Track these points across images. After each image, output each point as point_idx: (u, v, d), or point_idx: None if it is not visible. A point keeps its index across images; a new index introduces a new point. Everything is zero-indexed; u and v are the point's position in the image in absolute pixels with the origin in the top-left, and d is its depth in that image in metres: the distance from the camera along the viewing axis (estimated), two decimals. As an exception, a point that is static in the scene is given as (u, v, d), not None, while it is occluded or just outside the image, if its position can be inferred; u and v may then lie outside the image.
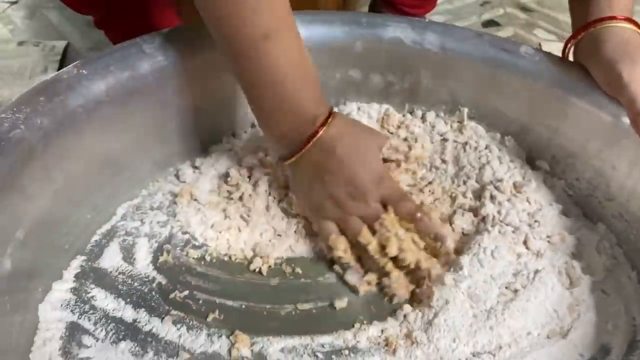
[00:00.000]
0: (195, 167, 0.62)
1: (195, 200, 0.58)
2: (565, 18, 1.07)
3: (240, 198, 0.58)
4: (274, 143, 0.54)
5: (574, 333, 0.50)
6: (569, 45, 0.58)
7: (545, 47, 0.97)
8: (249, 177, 0.60)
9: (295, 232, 0.57)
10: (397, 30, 0.63)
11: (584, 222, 0.60)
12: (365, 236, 0.52)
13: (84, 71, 0.50)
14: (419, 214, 0.52)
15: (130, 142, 0.56)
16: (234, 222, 0.57)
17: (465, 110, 0.65)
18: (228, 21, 0.45)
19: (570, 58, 0.60)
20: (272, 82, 0.49)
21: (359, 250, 0.53)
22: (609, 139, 0.56)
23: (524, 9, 1.14)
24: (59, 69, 0.68)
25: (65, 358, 0.45)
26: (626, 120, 0.54)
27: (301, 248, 0.56)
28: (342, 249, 0.52)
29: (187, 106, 0.58)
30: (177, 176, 0.61)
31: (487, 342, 0.49)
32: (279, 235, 0.56)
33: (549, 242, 0.57)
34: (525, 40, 1.04)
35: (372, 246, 0.51)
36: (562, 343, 0.50)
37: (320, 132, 0.50)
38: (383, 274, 0.52)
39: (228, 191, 0.59)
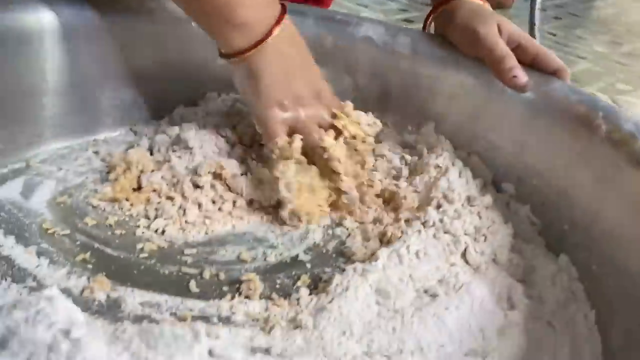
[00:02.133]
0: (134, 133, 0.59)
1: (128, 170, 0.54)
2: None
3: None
4: (231, 33, 0.49)
5: (496, 354, 0.41)
6: (430, 19, 0.62)
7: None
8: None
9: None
10: (369, 30, 0.61)
11: (543, 251, 0.51)
12: (327, 139, 0.51)
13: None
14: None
15: (62, 85, 0.54)
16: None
17: (433, 124, 0.60)
18: None
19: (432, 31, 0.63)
20: None
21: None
22: (577, 153, 0.49)
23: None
24: None
25: None
26: (597, 131, 0.48)
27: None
28: (286, 148, 0.50)
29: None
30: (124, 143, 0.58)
31: (385, 343, 0.40)
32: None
33: (493, 260, 0.48)
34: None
35: (335, 152, 0.51)
36: (478, 363, 0.40)
37: (286, 15, 0.50)
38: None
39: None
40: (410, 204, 0.53)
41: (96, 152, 0.57)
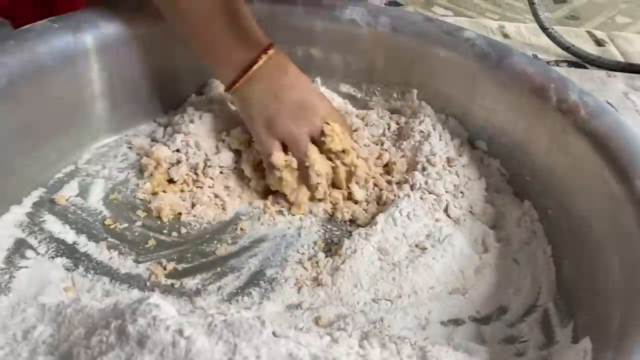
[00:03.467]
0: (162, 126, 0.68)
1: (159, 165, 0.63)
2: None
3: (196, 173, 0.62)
4: (224, 69, 0.60)
5: (473, 291, 0.53)
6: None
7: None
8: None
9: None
10: (353, 13, 0.68)
11: (511, 198, 0.62)
12: (312, 154, 0.58)
13: (55, 25, 0.58)
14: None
15: (96, 95, 0.62)
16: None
17: (415, 91, 0.69)
18: None
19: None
20: (216, 14, 0.57)
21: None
22: (534, 118, 0.59)
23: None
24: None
25: (7, 265, 0.52)
26: (550, 101, 0.57)
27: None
28: (282, 164, 0.58)
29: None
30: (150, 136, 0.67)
31: (388, 290, 0.53)
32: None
33: (470, 212, 0.60)
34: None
35: (315, 167, 0.58)
36: (460, 298, 0.53)
37: (272, 50, 0.58)
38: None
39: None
40: (400, 168, 0.64)
41: (130, 147, 0.66)
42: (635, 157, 0.49)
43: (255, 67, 0.58)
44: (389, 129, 0.69)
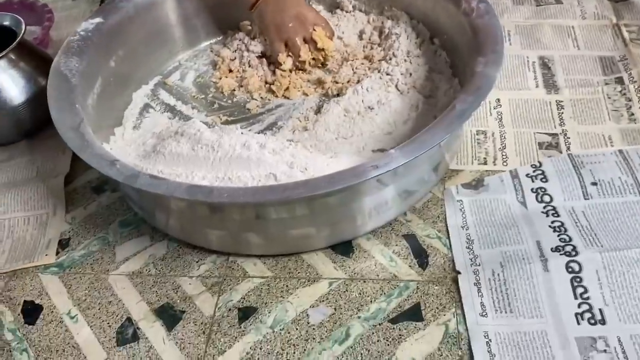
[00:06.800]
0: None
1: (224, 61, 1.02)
2: None
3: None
4: None
5: (398, 133, 0.85)
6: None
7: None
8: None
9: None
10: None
11: (447, 77, 0.91)
12: (303, 54, 0.94)
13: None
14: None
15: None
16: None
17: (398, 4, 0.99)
18: None
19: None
20: None
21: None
22: (458, 21, 0.86)
23: None
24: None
25: (139, 116, 0.95)
26: (461, 6, 0.84)
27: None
28: (285, 61, 0.95)
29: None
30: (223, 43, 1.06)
31: (344, 133, 0.87)
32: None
33: (413, 86, 0.90)
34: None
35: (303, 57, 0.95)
36: (389, 137, 0.85)
37: None
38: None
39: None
40: (377, 58, 0.95)
41: (211, 50, 1.06)
42: (490, 42, 0.76)
43: None
44: (380, 33, 1.00)
